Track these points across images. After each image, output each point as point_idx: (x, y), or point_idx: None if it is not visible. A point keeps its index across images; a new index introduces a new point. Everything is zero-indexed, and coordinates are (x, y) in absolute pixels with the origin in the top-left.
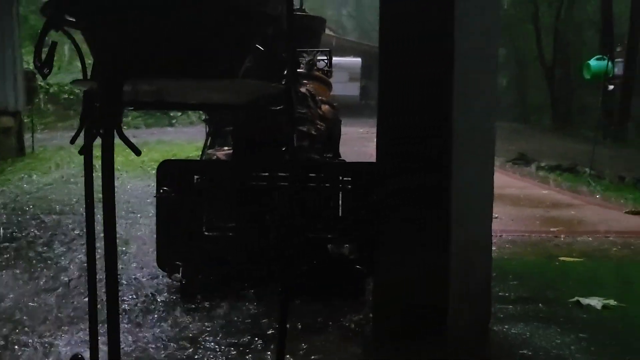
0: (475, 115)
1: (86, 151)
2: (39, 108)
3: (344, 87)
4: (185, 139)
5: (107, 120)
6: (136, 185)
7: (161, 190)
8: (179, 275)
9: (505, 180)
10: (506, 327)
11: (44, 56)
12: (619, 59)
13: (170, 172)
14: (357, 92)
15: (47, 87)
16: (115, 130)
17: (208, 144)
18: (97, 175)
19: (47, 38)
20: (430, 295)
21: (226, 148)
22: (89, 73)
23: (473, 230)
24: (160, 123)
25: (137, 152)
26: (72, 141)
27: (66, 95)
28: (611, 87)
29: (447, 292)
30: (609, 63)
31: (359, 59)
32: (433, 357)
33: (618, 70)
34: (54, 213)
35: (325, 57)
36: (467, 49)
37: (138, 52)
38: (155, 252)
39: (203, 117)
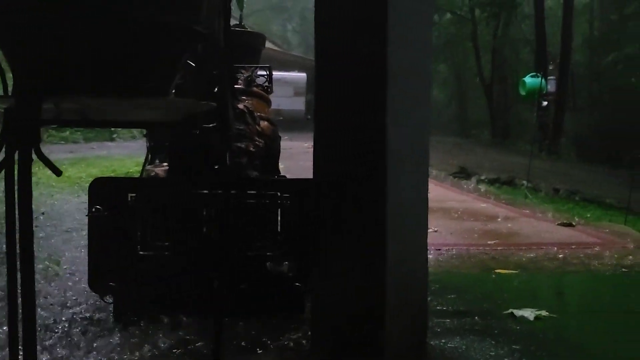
0: (409, 129)
1: (7, 171)
2: None
3: (289, 101)
4: (126, 153)
5: (25, 139)
6: (71, 202)
7: (93, 209)
8: (111, 297)
9: (446, 194)
10: (443, 341)
11: None
12: (552, 77)
13: (103, 190)
14: (303, 106)
15: None
16: (33, 150)
17: (148, 159)
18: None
19: None
20: (367, 310)
21: (166, 164)
22: None
23: (409, 244)
24: (101, 137)
25: (57, 173)
26: None
27: None
28: (545, 103)
29: (383, 306)
30: (543, 80)
31: (304, 74)
32: None
33: (551, 87)
34: None
35: (265, 73)
36: (400, 65)
37: (59, 69)
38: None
39: (144, 131)
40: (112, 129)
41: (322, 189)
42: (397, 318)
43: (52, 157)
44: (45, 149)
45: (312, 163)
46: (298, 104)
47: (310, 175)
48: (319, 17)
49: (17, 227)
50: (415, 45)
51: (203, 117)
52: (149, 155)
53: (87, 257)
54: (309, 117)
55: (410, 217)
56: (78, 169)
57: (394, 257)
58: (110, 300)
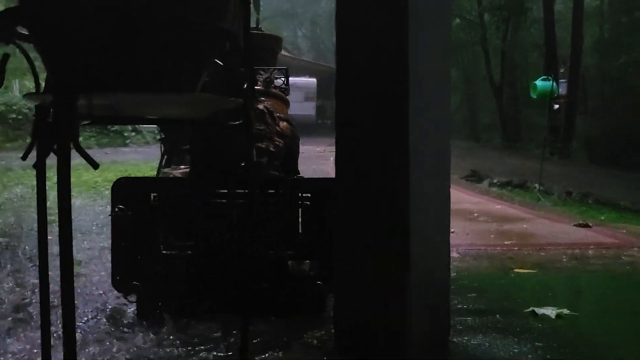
0: (430, 129)
1: (39, 168)
2: None
3: (300, 106)
4: (140, 158)
5: (63, 134)
6: (89, 206)
7: (116, 209)
8: (134, 296)
9: (460, 196)
10: (465, 338)
11: None
12: (563, 80)
13: (125, 190)
14: (313, 111)
15: None
16: (72, 144)
17: (163, 163)
18: (48, 194)
19: None
20: (389, 308)
21: (182, 167)
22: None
23: (431, 242)
24: (115, 143)
25: (95, 166)
26: (24, 157)
27: (14, 115)
28: (556, 106)
29: (406, 304)
30: (554, 83)
31: (315, 79)
32: None
33: (562, 90)
34: (5, 235)
35: (282, 76)
36: (420, 65)
37: (93, 65)
38: (110, 273)
39: (158, 137)
40: (125, 134)
41: (343, 188)
42: (420, 316)
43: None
44: None
45: (325, 167)
46: (309, 109)
47: None
48: (340, 22)
49: (40, 227)
50: (434, 46)
51: (229, 115)
52: (164, 159)
53: (108, 258)
54: (320, 121)
55: (432, 216)
56: (94, 173)
57: (417, 255)
58: (134, 299)
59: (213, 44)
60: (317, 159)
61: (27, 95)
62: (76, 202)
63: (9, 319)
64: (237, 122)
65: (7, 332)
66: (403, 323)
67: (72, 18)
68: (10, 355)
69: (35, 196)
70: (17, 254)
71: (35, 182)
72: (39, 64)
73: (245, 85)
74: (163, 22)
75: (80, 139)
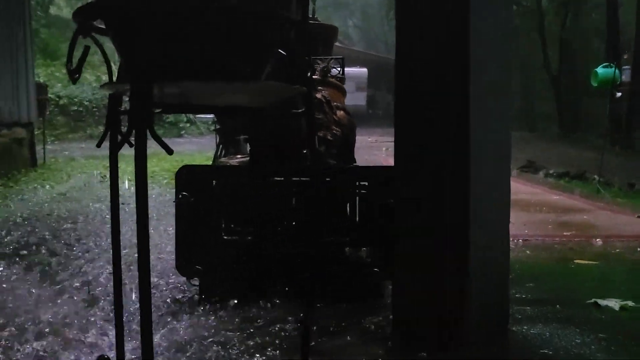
0: (492, 120)
1: (112, 154)
2: (50, 120)
3: (351, 96)
4: (195, 149)
5: (139, 121)
6: (149, 194)
7: (180, 196)
8: (197, 280)
9: (516, 187)
10: (525, 327)
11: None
12: (626, 66)
13: (189, 177)
14: (364, 101)
15: (57, 99)
16: (147, 131)
17: (220, 153)
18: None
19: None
20: (449, 296)
21: (239, 156)
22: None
23: (491, 231)
24: (170, 134)
25: (169, 151)
26: (99, 145)
27: (75, 107)
28: (619, 94)
29: (466, 292)
30: (616, 70)
31: (365, 69)
32: (453, 357)
33: (625, 77)
34: (70, 221)
35: (339, 65)
36: (481, 53)
37: (167, 55)
38: (174, 257)
39: (212, 127)
40: (180, 125)
41: (403, 176)
42: (479, 304)
43: (126, 153)
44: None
45: (377, 157)
46: (360, 99)
47: None
48: (400, 12)
49: (113, 212)
50: (496, 33)
51: (292, 103)
52: (220, 148)
53: (170, 244)
54: (370, 111)
55: (492, 205)
56: (151, 163)
57: (476, 244)
58: (197, 283)
59: (279, 32)
60: (369, 149)
61: (103, 86)
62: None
63: (82, 297)
64: (299, 110)
65: (82, 308)
66: (462, 311)
67: (147, 11)
68: (87, 328)
69: (97, 184)
70: (84, 238)
71: (96, 171)
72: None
73: (306, 75)
74: (233, 12)
75: None
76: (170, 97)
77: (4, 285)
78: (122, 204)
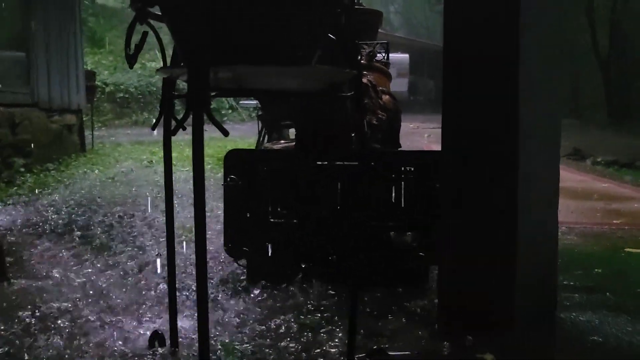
0: (542, 104)
1: (166, 138)
2: (97, 107)
3: (392, 83)
4: (237, 135)
5: (197, 104)
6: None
7: (228, 179)
8: (245, 261)
9: (562, 174)
10: (573, 314)
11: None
12: None
13: (237, 161)
14: (406, 87)
15: (104, 86)
16: (205, 113)
17: (263, 139)
18: (155, 168)
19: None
20: (496, 281)
21: (282, 142)
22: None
23: (539, 218)
24: (217, 119)
25: (225, 133)
26: (153, 127)
27: (121, 94)
28: None
29: (513, 277)
30: None
31: (407, 55)
32: (500, 342)
33: None
34: (120, 204)
35: (383, 50)
36: (532, 38)
37: (222, 40)
38: (222, 239)
39: (254, 114)
40: (222, 112)
41: (450, 161)
42: (526, 290)
43: (174, 138)
44: (161, 130)
45: (419, 143)
46: (402, 85)
47: None
48: None
49: (167, 193)
50: (547, 17)
51: (338, 87)
52: (264, 134)
53: (216, 227)
54: (412, 98)
55: (541, 191)
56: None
57: (524, 230)
58: (244, 264)
59: (330, 17)
60: (411, 136)
61: (159, 70)
62: (182, 175)
63: (134, 275)
64: (349, 94)
65: (134, 285)
66: (509, 297)
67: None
68: (141, 305)
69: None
70: (134, 220)
71: (143, 156)
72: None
73: (355, 59)
74: None
75: (179, 116)
76: (224, 81)
77: (60, 262)
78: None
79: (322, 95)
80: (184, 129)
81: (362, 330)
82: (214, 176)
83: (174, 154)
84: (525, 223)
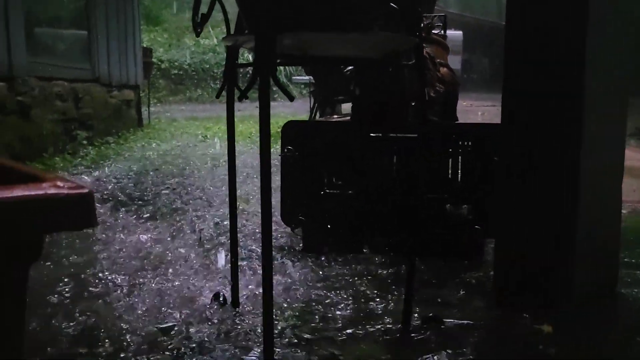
0: (609, 76)
1: (229, 106)
2: (153, 83)
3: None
4: (288, 111)
5: (264, 70)
6: (247, 153)
7: (285, 150)
8: (301, 230)
9: (625, 153)
10: (635, 290)
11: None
12: None
13: (293, 132)
14: (459, 65)
15: (159, 63)
16: (271, 78)
17: (315, 114)
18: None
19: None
20: (555, 255)
21: (335, 116)
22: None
23: (602, 193)
24: None
25: (291, 98)
26: (217, 96)
27: (175, 71)
28: None
29: (573, 252)
30: None
31: (461, 32)
32: (558, 315)
33: None
34: (178, 175)
35: (440, 23)
36: (600, 9)
37: (287, 6)
38: (279, 208)
39: (307, 90)
40: (274, 89)
41: (509, 134)
42: (586, 265)
43: (220, 116)
44: (214, 107)
45: (472, 121)
46: (455, 63)
47: None
48: None
49: (230, 163)
50: None
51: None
52: (315, 110)
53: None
54: (465, 76)
55: (604, 166)
56: (247, 125)
57: (585, 204)
58: (300, 233)
59: None
60: (465, 114)
61: (225, 38)
62: (237, 148)
63: (195, 240)
64: (410, 62)
65: (195, 249)
66: (568, 272)
67: None
68: (202, 277)
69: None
70: (193, 190)
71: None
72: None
73: (416, 28)
74: None
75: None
76: (289, 49)
77: (124, 229)
78: (224, 162)
79: (384, 63)
80: (247, 97)
81: (417, 299)
82: None
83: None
84: (587, 197)
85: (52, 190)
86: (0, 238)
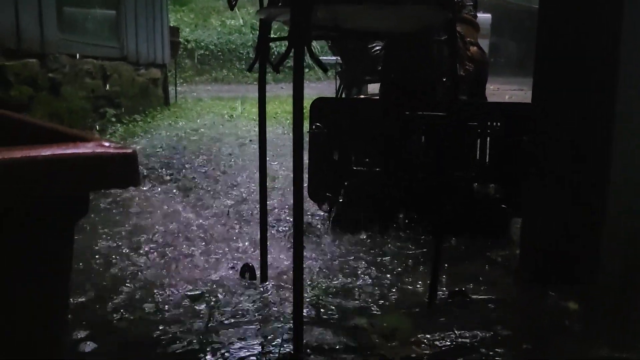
0: None
1: (261, 79)
2: (179, 63)
3: None
4: (314, 93)
5: (299, 41)
6: (273, 132)
7: (314, 127)
8: (327, 206)
9: None
10: None
11: None
12: None
13: (322, 109)
14: (487, 49)
15: (185, 43)
16: (306, 49)
17: (341, 94)
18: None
19: None
20: (583, 234)
21: (362, 96)
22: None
23: (633, 173)
24: (288, 78)
25: (325, 69)
26: (249, 69)
27: (202, 51)
28: None
29: (601, 231)
30: None
31: (489, 15)
32: (583, 293)
33: None
34: (206, 153)
35: (471, 2)
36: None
37: None
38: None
39: (333, 71)
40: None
41: (541, 114)
42: (614, 242)
43: (246, 96)
44: (239, 87)
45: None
46: (482, 46)
47: None
48: None
49: (261, 139)
50: None
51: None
52: (341, 91)
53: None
54: (492, 59)
55: (637, 146)
56: (272, 106)
57: (616, 183)
58: (327, 209)
59: None
60: (492, 97)
61: (259, 11)
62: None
63: (225, 217)
64: (442, 38)
65: (224, 223)
66: (595, 253)
67: None
68: (232, 249)
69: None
70: (220, 166)
71: (223, 111)
72: None
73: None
74: None
75: (256, 75)
76: (322, 21)
77: (154, 203)
78: (250, 140)
79: (416, 36)
80: (278, 72)
81: (443, 275)
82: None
83: (253, 110)
84: (617, 177)
85: (99, 150)
86: (53, 193)
